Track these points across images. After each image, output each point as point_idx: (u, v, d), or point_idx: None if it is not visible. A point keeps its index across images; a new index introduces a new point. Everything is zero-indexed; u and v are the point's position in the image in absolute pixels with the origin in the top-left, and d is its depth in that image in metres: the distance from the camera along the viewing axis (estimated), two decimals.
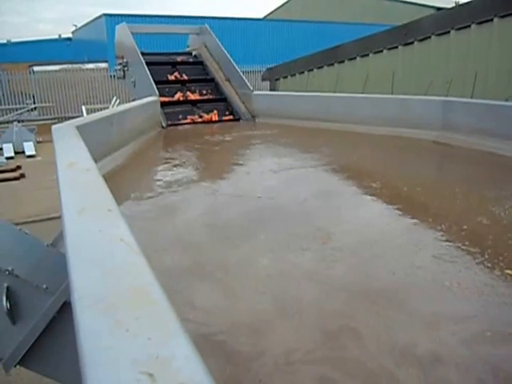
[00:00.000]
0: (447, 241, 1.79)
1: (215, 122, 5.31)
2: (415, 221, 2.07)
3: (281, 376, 1.05)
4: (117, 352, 0.48)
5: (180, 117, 5.22)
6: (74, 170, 1.30)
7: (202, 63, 6.01)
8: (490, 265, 1.58)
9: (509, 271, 1.53)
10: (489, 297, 1.39)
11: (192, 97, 5.55)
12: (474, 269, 1.56)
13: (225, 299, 1.41)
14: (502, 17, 6.26)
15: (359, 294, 1.40)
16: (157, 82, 5.10)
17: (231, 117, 5.44)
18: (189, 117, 5.28)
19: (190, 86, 5.70)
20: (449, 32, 7.09)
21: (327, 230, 1.93)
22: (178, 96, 5.50)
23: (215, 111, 5.40)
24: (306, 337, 1.17)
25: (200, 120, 5.28)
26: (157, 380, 0.43)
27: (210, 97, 5.66)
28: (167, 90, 5.46)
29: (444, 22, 7.23)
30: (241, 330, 1.22)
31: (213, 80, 5.81)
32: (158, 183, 2.89)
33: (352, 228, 2.00)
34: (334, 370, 1.06)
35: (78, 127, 2.27)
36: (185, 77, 5.77)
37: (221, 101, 5.61)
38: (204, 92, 5.71)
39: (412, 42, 7.80)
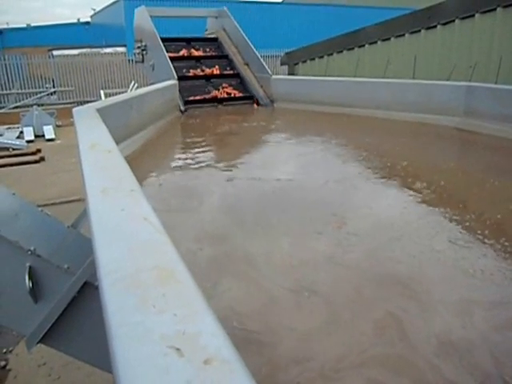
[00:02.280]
0: (469, 227, 1.77)
1: (232, 99, 5.30)
2: (434, 208, 2.04)
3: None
4: (144, 327, 0.48)
5: (197, 97, 5.22)
6: (97, 152, 1.31)
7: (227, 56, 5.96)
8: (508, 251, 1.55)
9: None
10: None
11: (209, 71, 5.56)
12: (496, 255, 1.54)
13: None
14: None
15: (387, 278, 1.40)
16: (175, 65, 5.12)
17: (245, 95, 5.43)
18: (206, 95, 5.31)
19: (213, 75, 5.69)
20: (473, 15, 6.89)
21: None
22: (195, 72, 5.51)
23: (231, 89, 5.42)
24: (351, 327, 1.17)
25: (218, 95, 5.27)
26: (184, 355, 0.43)
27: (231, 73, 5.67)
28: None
29: (468, 5, 7.03)
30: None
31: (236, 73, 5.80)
32: (179, 164, 2.91)
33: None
34: (378, 365, 1.05)
35: (98, 110, 2.29)
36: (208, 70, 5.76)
37: (237, 77, 5.61)
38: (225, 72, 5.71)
39: (435, 26, 7.60)
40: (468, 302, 1.27)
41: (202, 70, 5.56)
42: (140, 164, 2.83)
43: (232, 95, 5.39)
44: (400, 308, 1.22)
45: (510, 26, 6.31)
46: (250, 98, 5.41)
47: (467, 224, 1.80)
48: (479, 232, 1.72)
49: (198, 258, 1.52)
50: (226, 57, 5.83)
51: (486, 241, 1.65)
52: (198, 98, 5.22)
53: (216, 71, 5.58)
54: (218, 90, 5.40)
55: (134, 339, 0.46)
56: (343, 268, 1.48)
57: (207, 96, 5.29)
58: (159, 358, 0.43)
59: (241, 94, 5.42)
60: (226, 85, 5.45)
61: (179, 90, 5.01)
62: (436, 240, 1.67)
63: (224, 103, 5.30)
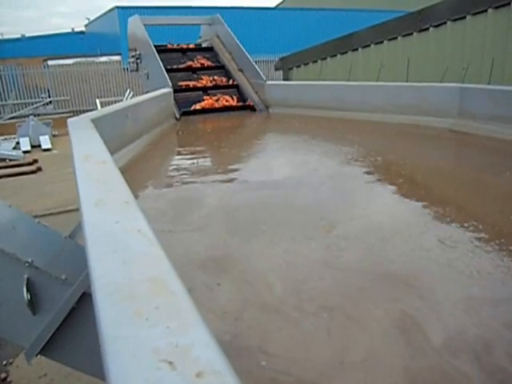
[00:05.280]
0: (463, 227, 1.78)
1: (228, 108, 5.30)
2: (429, 209, 2.06)
3: None
4: (137, 341, 0.49)
5: (192, 105, 5.22)
6: (91, 163, 1.32)
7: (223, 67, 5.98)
8: (506, 251, 1.57)
9: None
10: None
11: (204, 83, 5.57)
12: (491, 254, 1.55)
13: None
14: None
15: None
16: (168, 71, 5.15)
17: (243, 104, 5.42)
18: (200, 103, 5.30)
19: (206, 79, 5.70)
20: (465, 17, 6.94)
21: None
22: (190, 84, 5.51)
23: (228, 97, 5.42)
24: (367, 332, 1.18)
25: (214, 104, 5.27)
26: (177, 368, 0.44)
27: (223, 84, 5.67)
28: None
29: (460, 7, 7.08)
30: None
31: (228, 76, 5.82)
32: (175, 173, 2.92)
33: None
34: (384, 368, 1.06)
35: (93, 120, 2.29)
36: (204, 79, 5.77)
37: (233, 87, 5.61)
38: (218, 81, 5.71)
39: (427, 28, 7.66)
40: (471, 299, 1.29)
41: (199, 81, 5.57)
42: (136, 174, 2.83)
43: (228, 104, 5.37)
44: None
45: (501, 26, 6.36)
46: (245, 107, 5.41)
47: (464, 224, 1.81)
48: (476, 232, 1.73)
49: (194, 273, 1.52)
50: (223, 67, 5.84)
51: (481, 241, 1.66)
52: (194, 108, 5.22)
53: (212, 82, 5.60)
54: (216, 99, 5.40)
55: (128, 353, 0.47)
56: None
57: (203, 105, 5.29)
58: (152, 372, 0.44)
59: (237, 103, 5.41)
60: (221, 95, 5.46)
61: (176, 100, 5.03)
62: (425, 238, 1.69)
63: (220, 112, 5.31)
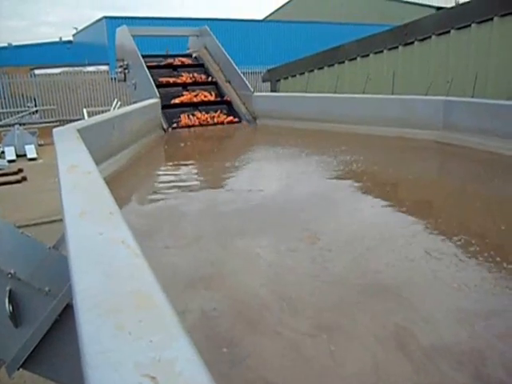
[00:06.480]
0: (447, 237, 1.79)
1: (217, 123, 5.31)
2: (415, 218, 2.08)
3: None
4: (119, 355, 0.48)
5: (180, 118, 5.22)
6: (76, 173, 1.30)
7: (203, 65, 6.05)
8: (492, 261, 1.58)
9: None
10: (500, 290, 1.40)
11: (194, 99, 5.58)
12: (476, 264, 1.57)
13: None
14: (502, 16, 6.25)
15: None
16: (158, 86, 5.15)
17: (232, 118, 5.43)
18: (179, 98, 5.45)
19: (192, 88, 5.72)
20: (449, 32, 7.07)
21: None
22: (181, 99, 5.53)
23: (218, 112, 5.42)
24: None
25: (202, 120, 5.28)
26: (159, 382, 0.43)
27: (212, 99, 5.68)
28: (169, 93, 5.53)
29: (444, 22, 7.21)
30: None
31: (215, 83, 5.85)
32: (160, 185, 2.90)
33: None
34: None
35: (79, 130, 2.28)
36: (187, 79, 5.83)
37: (223, 103, 5.63)
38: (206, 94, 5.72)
39: (412, 42, 7.78)
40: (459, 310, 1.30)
41: (179, 77, 5.73)
42: (121, 185, 2.81)
43: (207, 99, 5.52)
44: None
45: (484, 41, 6.49)
46: (235, 120, 5.42)
47: (451, 235, 1.82)
48: (463, 243, 1.74)
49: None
50: (215, 83, 5.86)
51: (467, 251, 1.67)
52: (174, 102, 5.35)
53: (192, 79, 5.72)
54: (195, 94, 5.55)
55: (109, 368, 0.46)
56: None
57: (182, 99, 5.44)
58: None
59: (228, 119, 5.40)
60: (200, 91, 5.58)
61: (166, 116, 5.04)
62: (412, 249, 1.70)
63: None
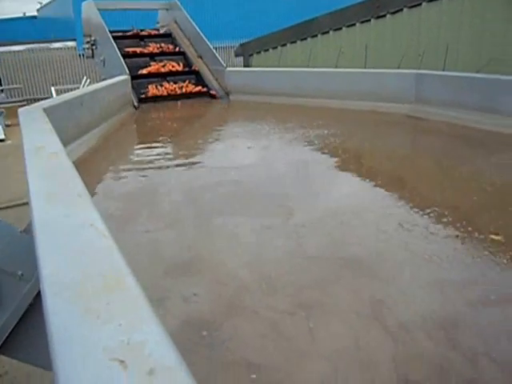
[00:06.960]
0: (423, 211, 1.83)
1: (185, 93, 5.23)
2: (387, 192, 2.11)
3: None
4: (88, 340, 0.47)
5: (148, 89, 5.14)
6: (42, 155, 1.27)
7: (170, 35, 5.98)
8: (464, 231, 1.62)
9: (493, 236, 1.56)
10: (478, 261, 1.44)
11: (162, 70, 5.49)
12: (448, 235, 1.60)
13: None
14: None
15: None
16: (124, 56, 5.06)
17: (201, 88, 5.35)
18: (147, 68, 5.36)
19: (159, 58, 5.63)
20: (420, 4, 7.08)
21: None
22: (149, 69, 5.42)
23: (186, 82, 5.36)
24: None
25: (170, 90, 5.20)
26: (128, 366, 0.43)
27: (180, 69, 5.60)
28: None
29: None
30: None
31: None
32: (135, 160, 2.87)
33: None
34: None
35: (45, 109, 2.21)
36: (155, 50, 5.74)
37: (191, 73, 5.56)
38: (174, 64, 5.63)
39: (384, 15, 7.77)
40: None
41: (146, 48, 5.65)
42: (91, 166, 2.75)
43: (174, 70, 5.45)
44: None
45: (455, 14, 6.53)
46: (206, 93, 5.34)
47: (424, 207, 1.85)
48: (436, 215, 1.77)
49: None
50: (183, 53, 5.76)
51: (440, 222, 1.71)
52: (141, 72, 5.25)
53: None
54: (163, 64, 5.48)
55: (77, 353, 0.45)
56: None
57: (150, 70, 5.36)
58: (102, 372, 0.43)
59: (196, 89, 5.33)
60: (167, 61, 5.51)
61: (133, 87, 4.92)
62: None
63: (180, 99, 5.23)
